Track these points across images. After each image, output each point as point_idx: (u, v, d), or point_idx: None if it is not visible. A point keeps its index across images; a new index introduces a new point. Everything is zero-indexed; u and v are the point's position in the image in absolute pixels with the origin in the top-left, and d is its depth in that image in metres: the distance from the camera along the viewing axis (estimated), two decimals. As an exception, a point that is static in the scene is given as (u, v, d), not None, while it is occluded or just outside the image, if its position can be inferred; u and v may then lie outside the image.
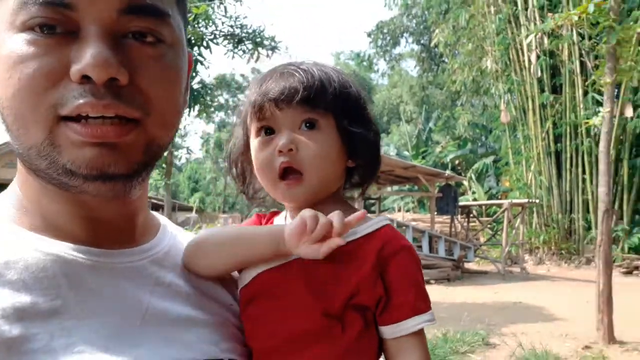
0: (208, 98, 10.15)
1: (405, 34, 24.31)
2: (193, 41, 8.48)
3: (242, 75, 34.29)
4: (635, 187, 13.33)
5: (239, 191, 0.80)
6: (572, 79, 12.66)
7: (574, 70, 12.41)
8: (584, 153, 12.88)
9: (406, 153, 19.55)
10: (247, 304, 0.70)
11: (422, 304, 0.69)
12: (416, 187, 14.64)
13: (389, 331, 0.68)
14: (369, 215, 0.73)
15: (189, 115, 10.10)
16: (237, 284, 0.73)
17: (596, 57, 8.44)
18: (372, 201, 15.02)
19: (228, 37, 8.97)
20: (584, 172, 13.00)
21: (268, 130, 0.73)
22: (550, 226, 13.75)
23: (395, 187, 15.65)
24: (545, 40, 11.42)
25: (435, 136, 22.72)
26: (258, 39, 9.19)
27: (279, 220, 0.78)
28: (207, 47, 8.82)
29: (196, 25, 8.53)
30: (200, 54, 8.79)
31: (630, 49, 5.77)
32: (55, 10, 0.52)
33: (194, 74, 9.37)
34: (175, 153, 16.02)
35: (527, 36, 10.62)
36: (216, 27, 8.96)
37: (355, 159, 0.75)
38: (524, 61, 12.75)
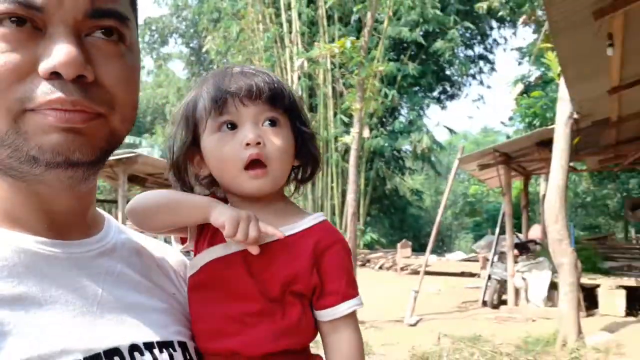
0: None
1: (174, 35, 23.67)
2: None
3: None
4: (368, 194, 16.09)
5: (178, 188, 0.81)
6: (325, 101, 14.43)
7: (327, 93, 14.18)
8: (332, 165, 14.83)
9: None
10: (194, 290, 0.75)
11: (352, 291, 0.76)
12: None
13: (324, 314, 0.75)
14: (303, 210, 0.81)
15: None
16: (183, 273, 0.79)
17: (344, 84, 9.92)
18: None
19: None
20: (332, 181, 14.97)
21: (229, 125, 0.74)
22: (306, 229, 15.36)
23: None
24: (305, 64, 12.76)
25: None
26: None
27: None
28: None
29: None
30: None
31: (372, 83, 7.02)
32: (25, 8, 0.53)
33: None
34: None
35: (292, 57, 11.70)
36: None
37: (301, 157, 0.81)
38: (287, 80, 13.96)
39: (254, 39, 13.58)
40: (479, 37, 20.64)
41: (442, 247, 26.64)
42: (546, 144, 7.30)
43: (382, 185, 19.57)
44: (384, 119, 17.46)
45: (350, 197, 7.36)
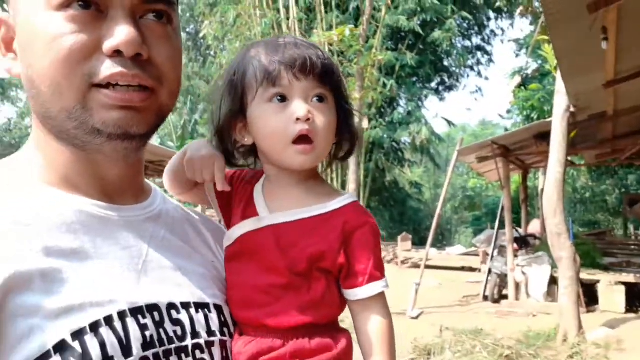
0: None
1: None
2: None
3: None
4: (368, 186, 16.05)
5: (220, 151, 0.82)
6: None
7: (324, 83, 14.11)
8: (331, 156, 14.81)
9: (170, 144, 18.80)
10: (230, 260, 0.80)
11: (378, 273, 0.78)
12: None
13: (351, 294, 0.78)
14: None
15: None
16: (221, 243, 0.82)
17: (342, 73, 9.85)
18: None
19: None
20: (332, 172, 14.97)
21: (280, 97, 0.75)
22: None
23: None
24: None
25: (201, 129, 22.57)
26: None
27: (257, 187, 0.83)
28: None
29: None
30: None
31: (371, 72, 6.94)
32: None
33: None
34: None
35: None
36: None
37: (341, 134, 0.82)
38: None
39: (251, 25, 13.43)
40: (476, 28, 20.48)
41: (442, 241, 26.66)
42: (544, 137, 7.24)
43: (382, 178, 19.52)
44: (382, 110, 17.34)
45: (351, 187, 7.34)
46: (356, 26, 7.00)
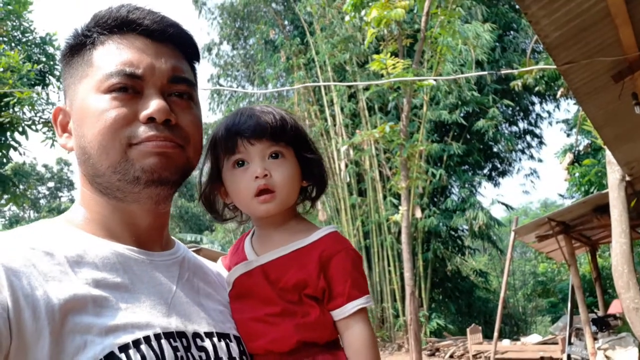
0: (22, 186, 9.00)
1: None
2: (7, 125, 7.66)
3: (45, 166, 30.61)
4: (429, 277, 15.58)
5: (209, 214, 0.99)
6: (374, 184, 14.74)
7: (374, 177, 14.52)
8: (387, 248, 14.66)
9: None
10: (233, 302, 0.92)
11: (356, 292, 0.88)
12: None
13: (335, 314, 0.88)
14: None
15: None
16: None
17: (390, 168, 10.24)
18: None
19: (49, 124, 8.29)
20: (389, 264, 14.67)
21: (240, 162, 0.90)
22: (366, 316, 14.88)
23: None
24: (351, 151, 13.32)
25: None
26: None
27: (247, 238, 0.97)
28: (23, 132, 8.08)
29: (15, 110, 7.81)
30: (14, 139, 8.00)
31: (415, 162, 7.29)
32: (130, 79, 0.79)
33: (4, 160, 8.37)
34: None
35: (338, 147, 12.34)
36: (36, 113, 8.30)
37: (308, 179, 0.95)
38: (334, 168, 14.52)
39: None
40: (521, 113, 20.73)
41: (518, 332, 24.61)
42: (604, 209, 7.05)
43: (442, 267, 18.92)
44: (435, 198, 17.38)
45: (407, 275, 7.28)
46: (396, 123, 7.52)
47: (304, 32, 15.56)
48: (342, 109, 14.34)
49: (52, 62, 9.40)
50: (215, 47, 21.12)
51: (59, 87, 8.70)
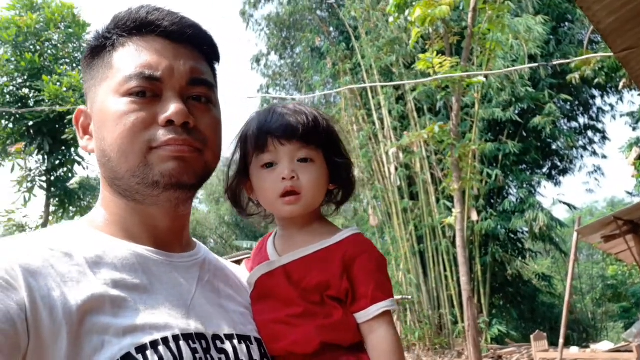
0: (88, 199, 9.65)
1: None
2: (70, 141, 8.25)
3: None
4: (488, 282, 15.03)
5: (234, 208, 0.99)
6: (426, 187, 14.44)
7: (426, 180, 14.23)
8: (443, 252, 14.27)
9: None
10: (254, 303, 0.91)
11: (380, 295, 0.86)
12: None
13: (358, 317, 0.87)
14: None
15: (62, 217, 9.42)
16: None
17: (442, 170, 10.00)
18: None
19: None
20: (445, 269, 14.27)
21: (268, 164, 0.89)
22: (423, 322, 14.57)
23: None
24: (401, 154, 13.15)
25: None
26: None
27: (270, 239, 0.97)
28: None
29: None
30: (77, 154, 8.56)
31: (468, 162, 7.07)
32: (149, 82, 0.79)
33: (69, 175, 9.00)
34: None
35: (387, 150, 12.24)
36: None
37: (336, 183, 0.95)
38: (384, 172, 14.37)
39: (349, 139, 14.44)
40: (581, 108, 19.66)
41: (587, 338, 23.21)
42: (677, 205, 6.54)
43: (502, 271, 18.18)
44: (492, 200, 16.79)
45: (463, 280, 7.06)
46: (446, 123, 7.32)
47: (349, 37, 15.57)
48: (389, 112, 14.19)
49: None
50: (264, 57, 21.57)
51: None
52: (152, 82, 0.79)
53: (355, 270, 0.86)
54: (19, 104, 9.04)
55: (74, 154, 8.71)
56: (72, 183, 9.75)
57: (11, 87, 9.31)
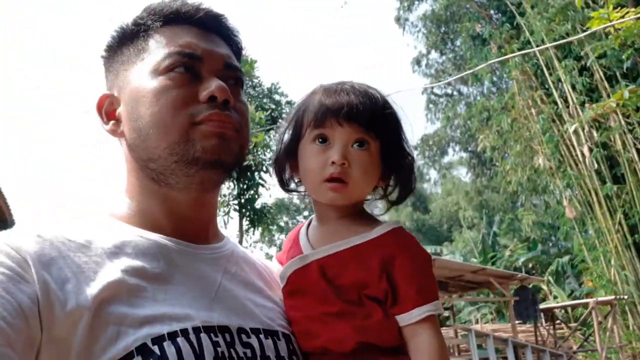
0: (269, 220, 10.78)
1: (451, 143, 25.01)
2: (253, 167, 9.38)
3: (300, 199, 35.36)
4: None
5: (276, 180, 0.93)
6: (632, 167, 12.29)
7: (631, 158, 12.11)
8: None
9: (474, 260, 18.90)
10: (287, 299, 0.86)
11: (424, 297, 0.79)
12: (490, 294, 13.88)
13: (400, 320, 0.80)
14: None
15: (251, 236, 10.72)
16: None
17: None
18: (446, 313, 14.26)
19: None
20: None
21: (321, 140, 0.83)
22: (649, 326, 12.27)
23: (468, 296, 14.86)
24: (595, 133, 11.47)
25: (502, 240, 21.95)
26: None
27: (302, 230, 0.91)
28: (267, 171, 9.75)
29: (255, 153, 9.52)
30: (260, 178, 9.65)
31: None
32: (190, 59, 0.80)
33: (256, 197, 10.20)
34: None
35: (568, 129, 10.76)
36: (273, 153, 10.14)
37: (387, 181, 0.87)
38: (577, 155, 12.65)
39: (528, 125, 13.18)
40: None
41: None
42: None
43: None
44: None
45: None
46: (641, 87, 6.02)
47: (512, 15, 14.29)
48: (573, 87, 12.48)
49: (279, 108, 11.10)
50: (424, 58, 21.24)
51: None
52: (192, 60, 0.80)
53: (395, 271, 0.79)
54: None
55: (257, 178, 9.84)
56: (265, 205, 10.97)
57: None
